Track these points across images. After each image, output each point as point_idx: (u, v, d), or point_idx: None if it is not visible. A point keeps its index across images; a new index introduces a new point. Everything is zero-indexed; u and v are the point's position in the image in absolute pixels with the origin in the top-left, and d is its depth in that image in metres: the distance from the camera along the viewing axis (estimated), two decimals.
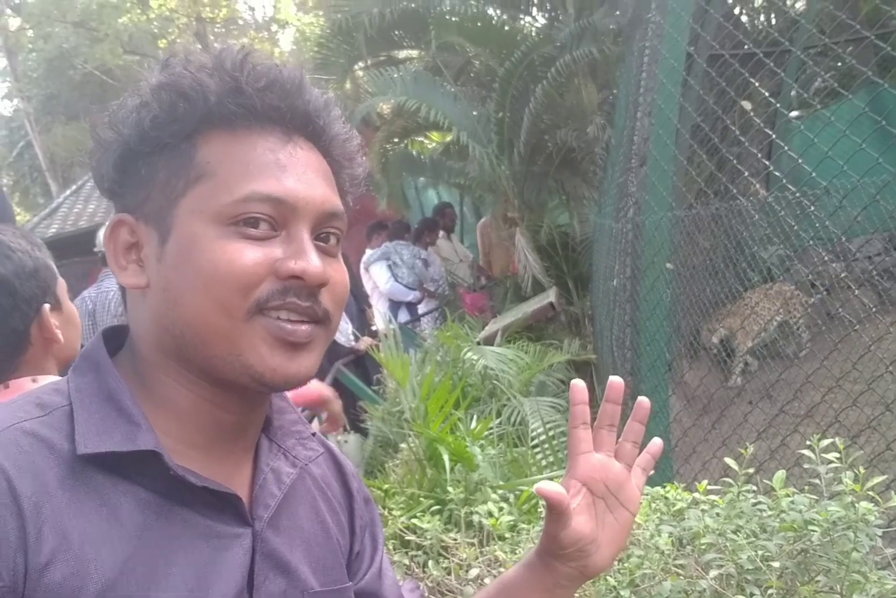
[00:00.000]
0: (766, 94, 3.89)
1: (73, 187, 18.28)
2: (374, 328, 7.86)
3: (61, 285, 1.68)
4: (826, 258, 4.30)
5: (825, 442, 1.84)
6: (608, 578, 1.76)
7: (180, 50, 0.93)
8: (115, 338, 0.97)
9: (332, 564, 1.04)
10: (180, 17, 26.02)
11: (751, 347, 6.32)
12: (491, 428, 4.06)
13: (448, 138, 10.79)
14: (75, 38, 24.97)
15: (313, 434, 1.09)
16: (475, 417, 4.24)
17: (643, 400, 1.14)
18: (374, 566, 1.16)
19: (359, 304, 7.68)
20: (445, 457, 3.32)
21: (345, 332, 6.48)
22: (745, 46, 5.59)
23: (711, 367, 5.76)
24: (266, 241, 0.88)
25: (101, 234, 3.57)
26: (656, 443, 1.17)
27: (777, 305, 6.23)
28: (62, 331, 1.64)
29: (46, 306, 1.62)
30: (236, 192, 0.87)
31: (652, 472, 1.16)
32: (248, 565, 0.91)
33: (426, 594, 1.13)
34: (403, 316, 8.50)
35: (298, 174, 0.90)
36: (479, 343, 6.13)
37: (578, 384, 1.12)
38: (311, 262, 0.88)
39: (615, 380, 1.12)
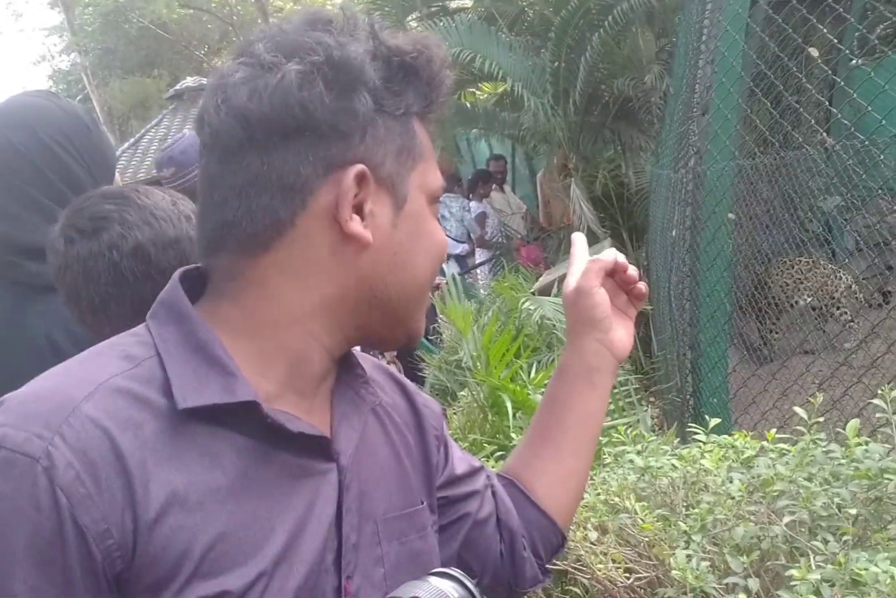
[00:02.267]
0: (834, 39, 3.80)
1: (131, 140, 18.40)
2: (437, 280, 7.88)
3: None
4: (888, 208, 4.23)
5: (895, 392, 1.82)
6: (679, 523, 1.77)
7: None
8: (189, 281, 0.97)
9: (404, 489, 1.08)
10: None
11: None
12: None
13: (501, 89, 10.68)
14: None
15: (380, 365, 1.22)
16: (534, 366, 4.25)
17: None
18: (448, 468, 1.21)
19: None
20: (508, 404, 3.34)
21: None
22: None
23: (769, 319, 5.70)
24: None
25: (165, 156, 3.44)
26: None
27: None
28: None
29: None
30: (438, 178, 1.00)
31: None
32: (336, 499, 0.94)
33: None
34: (453, 268, 8.51)
35: None
36: (534, 294, 6.12)
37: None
38: None
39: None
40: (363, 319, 0.96)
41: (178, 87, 19.72)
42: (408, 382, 1.24)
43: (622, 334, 1.30)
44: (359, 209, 0.91)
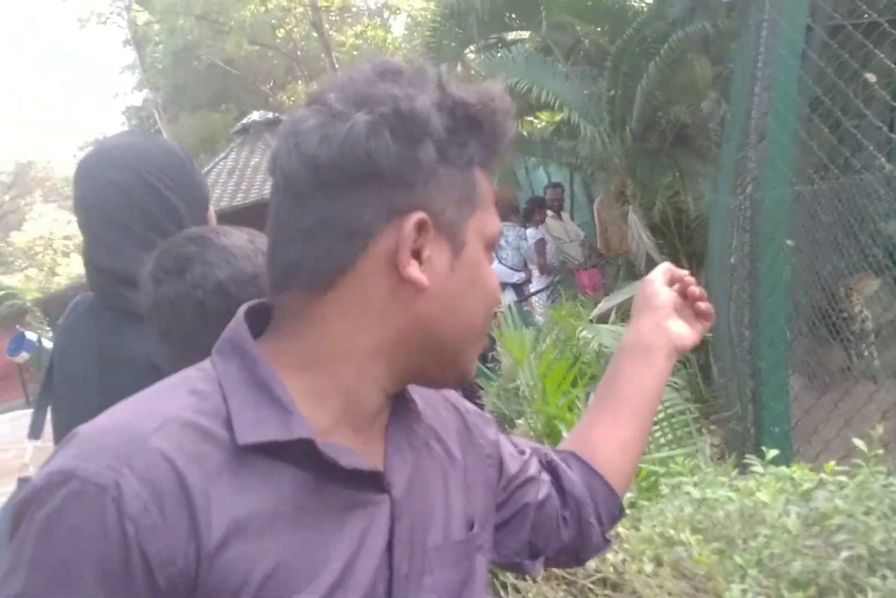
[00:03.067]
0: (893, 65, 3.76)
1: (202, 172, 18.72)
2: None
3: None
4: None
5: None
6: (735, 557, 1.76)
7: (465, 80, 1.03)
8: (254, 316, 1.00)
9: (454, 517, 1.08)
10: (297, 7, 26.43)
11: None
12: None
13: (558, 118, 10.70)
14: (199, 30, 25.66)
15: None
16: (591, 395, 4.23)
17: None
18: (503, 476, 1.24)
19: None
20: (564, 433, 3.33)
21: None
22: (866, 15, 5.40)
23: (835, 344, 5.61)
24: None
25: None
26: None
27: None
28: None
29: None
30: (497, 225, 1.02)
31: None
32: (387, 529, 0.96)
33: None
34: (510, 296, 8.50)
35: None
36: (592, 321, 6.10)
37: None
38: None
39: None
40: (417, 360, 0.98)
41: (244, 121, 19.95)
42: (461, 401, 1.26)
43: (684, 329, 1.37)
44: (417, 254, 0.93)
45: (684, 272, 1.42)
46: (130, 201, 1.83)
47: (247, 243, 1.60)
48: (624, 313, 6.36)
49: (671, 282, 1.42)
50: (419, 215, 0.92)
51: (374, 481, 0.96)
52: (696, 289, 1.39)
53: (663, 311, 1.37)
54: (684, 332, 1.37)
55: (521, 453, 1.30)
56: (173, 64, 26.67)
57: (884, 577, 1.55)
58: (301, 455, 0.89)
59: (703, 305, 1.39)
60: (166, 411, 0.87)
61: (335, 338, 0.95)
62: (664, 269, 1.44)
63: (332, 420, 0.95)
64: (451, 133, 0.94)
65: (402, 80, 0.94)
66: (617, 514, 1.35)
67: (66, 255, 37.96)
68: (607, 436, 1.34)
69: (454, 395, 1.26)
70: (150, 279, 1.56)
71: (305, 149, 0.91)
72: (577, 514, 1.29)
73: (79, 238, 2.06)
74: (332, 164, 0.90)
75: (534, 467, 1.29)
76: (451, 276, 0.96)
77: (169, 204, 1.86)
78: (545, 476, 1.30)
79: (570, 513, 1.29)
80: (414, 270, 0.93)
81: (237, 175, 17.50)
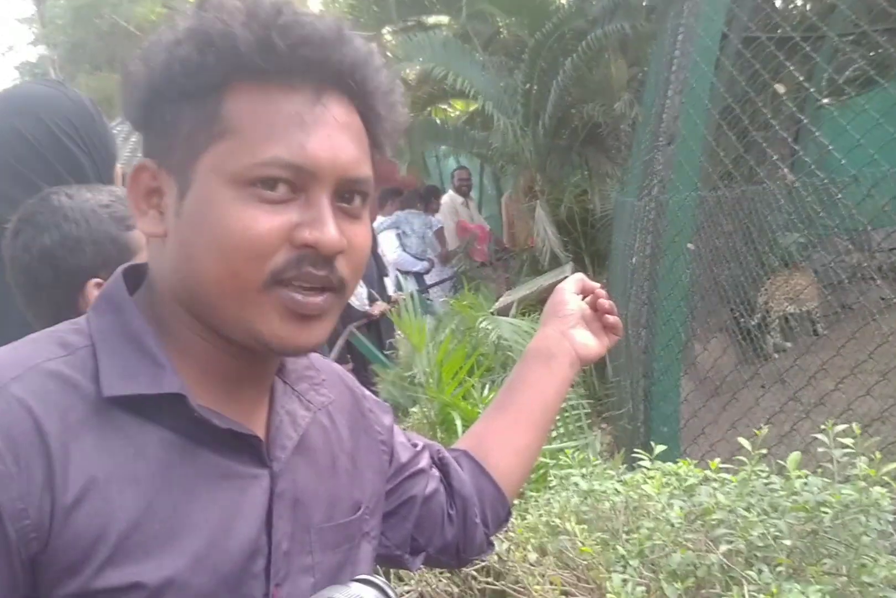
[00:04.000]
0: (801, 78, 3.86)
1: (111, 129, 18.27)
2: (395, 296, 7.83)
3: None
4: (849, 247, 4.29)
5: (839, 427, 1.85)
6: (618, 547, 1.78)
7: None
8: (134, 276, 0.98)
9: (343, 498, 1.07)
10: None
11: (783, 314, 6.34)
12: None
13: (472, 108, 10.74)
14: None
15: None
16: (487, 386, 4.26)
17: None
18: (393, 463, 1.23)
19: (380, 270, 7.67)
20: (458, 422, 3.35)
21: (360, 296, 6.48)
22: (779, 30, 5.54)
23: (728, 347, 5.75)
24: (283, 204, 0.86)
25: None
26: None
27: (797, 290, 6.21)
28: None
29: (92, 281, 1.47)
30: (258, 154, 0.85)
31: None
32: (266, 504, 0.94)
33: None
34: (412, 285, 8.50)
35: (323, 137, 0.87)
36: (493, 314, 6.13)
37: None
38: (327, 232, 0.87)
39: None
40: (201, 312, 0.91)
41: None
42: (358, 386, 1.24)
43: (589, 339, 1.40)
44: (157, 204, 0.91)
45: (596, 285, 1.44)
46: (32, 150, 1.77)
47: (94, 206, 1.51)
48: (525, 308, 6.42)
49: (583, 292, 1.44)
50: (139, 163, 0.91)
51: (254, 455, 0.94)
52: (605, 302, 1.41)
53: (570, 320, 1.39)
54: (589, 342, 1.40)
55: (414, 445, 1.30)
56: (74, 20, 25.73)
57: (759, 571, 1.59)
58: (172, 414, 0.87)
59: (611, 318, 1.41)
60: (31, 360, 0.84)
61: (157, 292, 0.94)
62: (576, 279, 1.45)
63: (200, 383, 0.92)
64: (170, 64, 0.86)
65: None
66: (503, 517, 1.35)
67: None
68: (502, 439, 1.34)
69: (351, 379, 1.24)
70: (9, 233, 1.51)
71: None
72: (464, 513, 1.28)
73: None
74: None
75: (424, 461, 1.28)
76: (177, 220, 0.89)
77: (72, 157, 1.80)
78: (435, 472, 1.29)
79: (456, 511, 1.28)
80: (145, 222, 0.91)
81: (133, 140, 17.13)
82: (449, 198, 10.00)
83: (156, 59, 0.87)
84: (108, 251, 1.48)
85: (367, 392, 1.26)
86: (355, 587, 0.92)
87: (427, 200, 9.31)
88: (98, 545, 0.80)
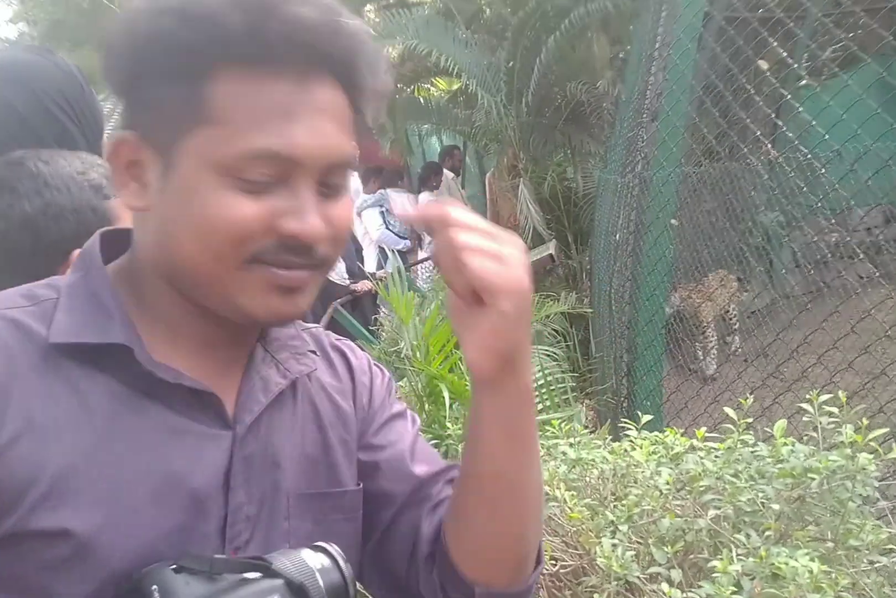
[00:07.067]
0: (784, 54, 3.87)
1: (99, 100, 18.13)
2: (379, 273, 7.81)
3: None
4: (828, 226, 4.32)
5: (824, 397, 1.88)
6: (607, 512, 1.81)
7: None
8: (119, 241, 0.99)
9: (330, 468, 1.05)
10: None
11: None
12: None
13: (455, 86, 10.72)
14: None
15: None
16: None
17: None
18: (388, 451, 1.11)
19: (357, 244, 7.65)
20: (445, 394, 3.36)
21: (339, 271, 6.48)
22: (760, 10, 5.54)
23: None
24: (266, 193, 0.86)
25: None
26: None
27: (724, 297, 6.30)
28: None
29: (76, 252, 1.43)
30: (240, 144, 0.84)
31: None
32: (226, 466, 0.93)
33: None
34: (397, 261, 8.51)
35: (308, 124, 0.86)
36: None
37: None
38: (309, 221, 0.86)
39: None
40: (181, 283, 0.92)
41: None
42: (357, 363, 1.17)
43: (469, 348, 0.94)
44: (138, 176, 0.91)
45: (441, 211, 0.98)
46: (19, 119, 1.73)
47: (73, 173, 1.47)
48: None
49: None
50: (121, 136, 0.90)
51: (219, 415, 0.94)
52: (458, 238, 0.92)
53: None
54: (468, 353, 0.93)
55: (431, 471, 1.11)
56: None
57: (747, 535, 1.61)
58: (121, 366, 0.88)
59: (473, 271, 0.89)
60: None
61: (138, 259, 0.96)
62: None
63: (168, 342, 0.93)
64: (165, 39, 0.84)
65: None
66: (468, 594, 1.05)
67: None
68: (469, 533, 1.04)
69: (354, 358, 1.17)
70: None
71: None
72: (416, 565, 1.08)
73: None
74: None
75: (434, 494, 1.10)
76: (161, 197, 0.88)
77: (60, 127, 1.77)
78: (427, 510, 1.09)
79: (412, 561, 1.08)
80: (127, 194, 0.91)
81: (115, 118, 17.03)
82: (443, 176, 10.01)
83: (139, 29, 0.86)
84: (89, 220, 1.43)
85: (368, 369, 1.17)
86: (304, 553, 0.89)
87: (426, 176, 9.32)
88: (30, 487, 0.81)
